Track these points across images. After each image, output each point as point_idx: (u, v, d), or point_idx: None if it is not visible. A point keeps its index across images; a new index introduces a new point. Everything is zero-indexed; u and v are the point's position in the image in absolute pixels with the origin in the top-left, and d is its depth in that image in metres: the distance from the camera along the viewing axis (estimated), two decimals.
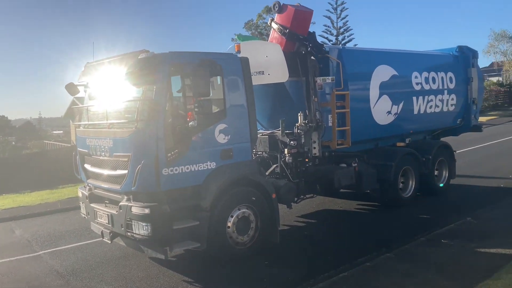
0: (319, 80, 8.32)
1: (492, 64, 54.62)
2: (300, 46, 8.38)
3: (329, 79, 8.36)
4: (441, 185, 10.82)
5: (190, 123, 6.27)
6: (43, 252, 8.19)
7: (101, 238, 7.16)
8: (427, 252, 6.70)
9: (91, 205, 7.22)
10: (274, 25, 8.57)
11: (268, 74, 7.98)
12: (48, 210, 11.92)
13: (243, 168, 7.00)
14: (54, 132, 67.24)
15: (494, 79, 48.51)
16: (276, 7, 8.46)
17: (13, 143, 43.96)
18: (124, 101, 6.81)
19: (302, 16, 8.44)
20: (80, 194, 7.71)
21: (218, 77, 6.83)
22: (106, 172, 6.78)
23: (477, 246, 6.78)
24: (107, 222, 6.76)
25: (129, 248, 7.04)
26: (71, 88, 7.51)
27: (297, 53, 8.34)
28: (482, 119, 19.56)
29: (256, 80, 7.67)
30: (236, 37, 19.00)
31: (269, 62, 7.97)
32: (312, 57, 8.40)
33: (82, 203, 7.61)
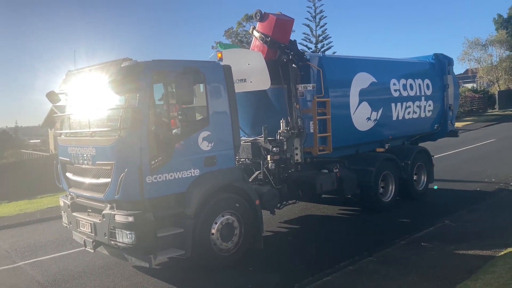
0: (300, 87, 8.43)
1: (466, 71, 56.09)
2: (282, 54, 8.49)
3: (310, 87, 8.48)
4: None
5: (174, 131, 6.30)
6: (23, 263, 8.06)
7: (84, 248, 7.09)
8: (407, 255, 6.84)
9: (73, 214, 7.15)
10: (256, 34, 8.67)
11: (251, 82, 8.09)
12: (27, 220, 11.71)
13: (227, 175, 7.04)
14: (31, 141, 65.92)
15: (469, 86, 49.80)
16: (258, 16, 8.57)
17: None
18: (106, 109, 6.78)
19: (283, 24, 8.57)
20: (61, 203, 7.62)
21: (201, 85, 6.88)
22: (88, 180, 6.73)
23: (455, 248, 6.96)
24: (90, 231, 6.70)
25: (113, 257, 6.98)
26: (52, 97, 7.45)
27: (278, 61, 8.45)
28: (458, 124, 20.03)
29: (239, 88, 7.75)
30: (217, 45, 18.99)
31: (252, 70, 8.07)
32: (294, 65, 8.53)
33: (64, 212, 7.52)
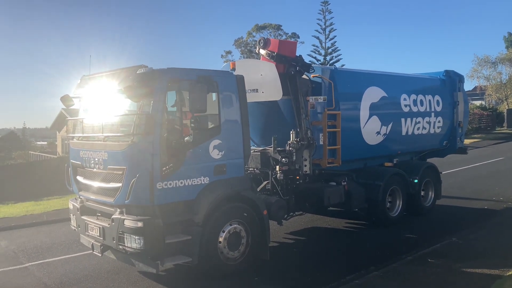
0: (311, 99, 8.48)
1: (475, 88, 55.91)
2: (289, 67, 8.55)
3: (321, 99, 8.52)
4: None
5: (186, 138, 6.35)
6: (30, 264, 8.10)
7: (91, 251, 7.12)
8: (414, 271, 6.82)
9: (82, 217, 7.19)
10: (262, 52, 8.81)
11: (262, 92, 8.16)
12: (33, 222, 11.78)
13: (236, 184, 7.07)
14: (38, 143, 66.40)
15: (477, 103, 49.63)
16: (261, 43, 8.82)
17: None
18: (120, 115, 6.86)
19: (287, 43, 8.74)
20: (71, 206, 7.68)
21: (214, 94, 6.95)
22: (99, 184, 6.79)
23: (462, 266, 6.92)
24: (98, 234, 6.74)
25: (119, 262, 7.01)
26: (66, 100, 7.54)
27: (286, 74, 8.51)
28: (466, 141, 19.93)
29: (251, 98, 7.80)
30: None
31: (264, 80, 8.14)
32: (304, 77, 8.59)
33: (73, 215, 7.57)
